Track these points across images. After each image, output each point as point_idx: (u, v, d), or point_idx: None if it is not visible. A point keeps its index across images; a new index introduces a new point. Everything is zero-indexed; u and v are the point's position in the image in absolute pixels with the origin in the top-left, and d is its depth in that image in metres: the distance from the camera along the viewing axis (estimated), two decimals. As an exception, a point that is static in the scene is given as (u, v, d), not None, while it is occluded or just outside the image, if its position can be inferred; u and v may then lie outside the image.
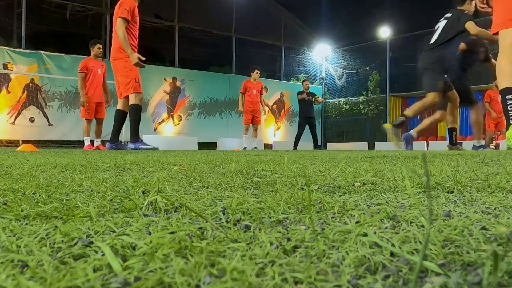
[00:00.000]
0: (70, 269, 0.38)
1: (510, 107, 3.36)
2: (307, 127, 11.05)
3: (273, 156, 3.11)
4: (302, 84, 11.42)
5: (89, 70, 7.81)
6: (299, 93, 11.16)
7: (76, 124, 11.53)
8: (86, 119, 7.88)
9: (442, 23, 5.48)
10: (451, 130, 6.09)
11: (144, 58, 5.68)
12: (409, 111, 5.64)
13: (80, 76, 7.79)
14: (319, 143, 11.77)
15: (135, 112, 5.73)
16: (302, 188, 1.00)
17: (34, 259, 0.41)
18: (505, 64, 3.38)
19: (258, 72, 10.10)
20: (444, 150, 5.10)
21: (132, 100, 5.72)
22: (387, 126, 5.67)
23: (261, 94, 10.24)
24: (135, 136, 5.77)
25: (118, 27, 5.60)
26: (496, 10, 3.53)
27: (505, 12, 3.41)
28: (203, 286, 0.34)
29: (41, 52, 11.71)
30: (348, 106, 17.89)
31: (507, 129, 3.46)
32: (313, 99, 11.11)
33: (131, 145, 5.77)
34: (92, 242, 0.47)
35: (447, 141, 6.37)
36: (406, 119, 5.56)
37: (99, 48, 7.96)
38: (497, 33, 3.50)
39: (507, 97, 3.36)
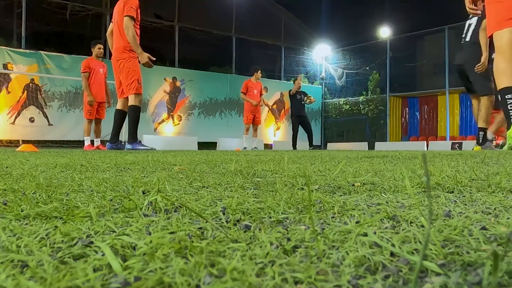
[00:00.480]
0: (70, 269, 0.37)
1: (511, 107, 3.36)
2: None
3: (273, 156, 3.12)
4: (294, 82, 11.36)
5: (91, 69, 7.84)
6: (290, 90, 11.16)
7: (76, 124, 11.53)
8: (87, 119, 7.90)
9: (474, 20, 5.58)
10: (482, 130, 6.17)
11: (154, 58, 5.69)
12: (483, 123, 5.78)
13: (83, 76, 7.82)
14: (314, 143, 11.70)
15: (134, 114, 5.73)
16: (302, 188, 1.00)
17: (34, 259, 0.41)
18: (502, 63, 3.38)
19: (261, 72, 10.24)
20: (444, 150, 5.11)
21: (132, 101, 5.71)
22: (478, 148, 5.82)
23: (261, 94, 10.27)
24: (133, 137, 5.77)
25: (127, 26, 5.56)
26: (489, 13, 3.53)
27: (498, 14, 3.43)
28: (203, 286, 0.34)
29: (41, 52, 11.71)
30: (348, 106, 17.88)
31: (508, 128, 3.46)
32: (305, 98, 11.06)
33: (128, 146, 5.77)
34: (92, 242, 0.47)
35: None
36: (485, 131, 5.77)
37: (100, 49, 7.98)
38: (491, 37, 3.53)
39: (506, 97, 3.36)
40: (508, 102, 3.36)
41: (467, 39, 5.83)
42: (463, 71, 5.97)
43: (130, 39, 5.58)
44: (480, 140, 5.79)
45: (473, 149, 6.12)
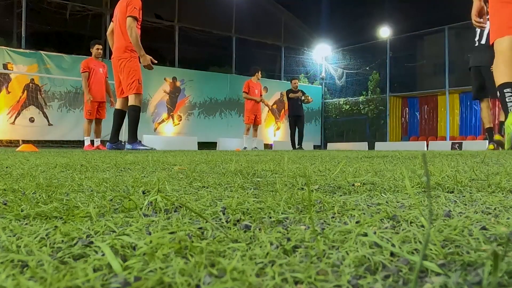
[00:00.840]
0: (70, 269, 0.37)
1: (509, 99, 3.49)
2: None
3: (273, 156, 3.12)
4: (291, 82, 11.34)
5: (90, 69, 7.84)
6: (290, 91, 11.14)
7: (76, 124, 11.53)
8: (87, 119, 7.90)
9: (488, 23, 5.66)
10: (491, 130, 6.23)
11: (156, 61, 5.73)
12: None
13: (83, 75, 7.82)
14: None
15: (134, 114, 5.72)
16: (302, 188, 1.00)
17: (34, 259, 0.41)
18: (502, 64, 3.64)
19: (261, 72, 10.37)
20: (444, 150, 5.12)
21: (132, 101, 5.71)
22: (499, 137, 5.97)
23: (261, 94, 10.29)
24: (133, 137, 5.76)
25: (130, 26, 5.55)
26: (492, 21, 3.73)
27: (500, 22, 3.63)
28: (203, 286, 0.34)
29: (41, 52, 11.71)
30: (348, 106, 17.88)
31: (505, 118, 3.56)
32: (302, 97, 11.06)
33: (128, 146, 5.76)
34: (92, 242, 0.47)
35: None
36: None
37: (98, 49, 7.97)
38: (493, 44, 3.68)
39: (505, 91, 3.52)
40: (506, 95, 3.50)
41: (483, 42, 5.88)
42: (480, 73, 5.99)
43: (133, 40, 5.58)
44: (503, 132, 5.83)
45: (494, 136, 6.11)
